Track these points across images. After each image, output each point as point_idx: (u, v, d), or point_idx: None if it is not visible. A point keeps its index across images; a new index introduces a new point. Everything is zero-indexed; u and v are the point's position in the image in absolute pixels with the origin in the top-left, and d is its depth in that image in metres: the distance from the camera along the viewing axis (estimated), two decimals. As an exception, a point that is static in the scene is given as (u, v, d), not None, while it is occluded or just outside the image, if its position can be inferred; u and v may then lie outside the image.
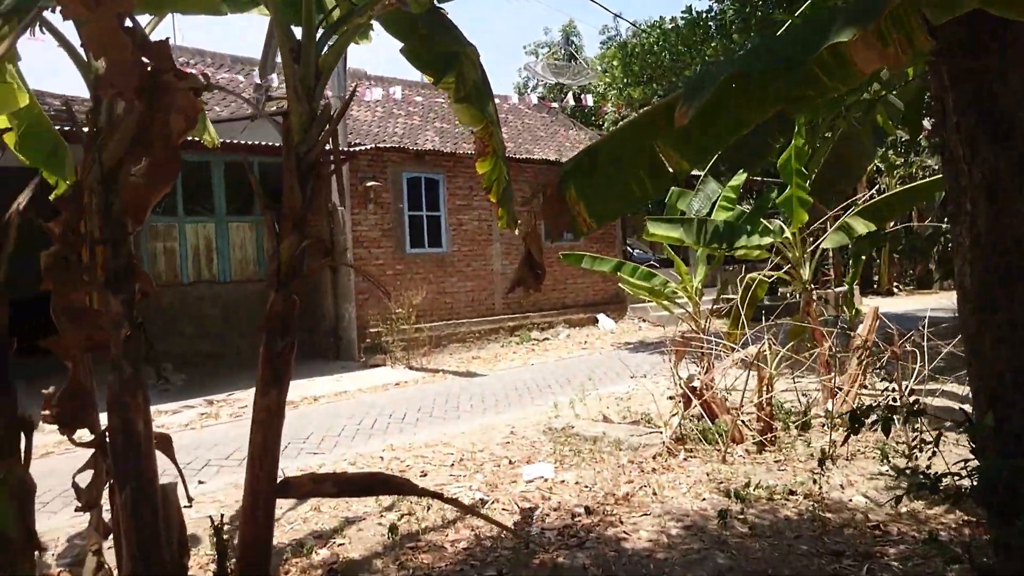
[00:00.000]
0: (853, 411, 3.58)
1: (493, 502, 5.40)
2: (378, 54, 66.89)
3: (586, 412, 7.91)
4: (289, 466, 6.70)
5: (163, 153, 3.26)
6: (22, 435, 2.68)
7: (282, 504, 5.58)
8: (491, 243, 15.15)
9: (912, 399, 4.10)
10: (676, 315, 7.82)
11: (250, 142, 11.63)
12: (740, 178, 7.25)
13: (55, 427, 3.09)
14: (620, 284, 7.39)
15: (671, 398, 7.03)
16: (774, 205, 6.93)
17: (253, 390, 9.05)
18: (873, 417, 3.84)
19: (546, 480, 5.84)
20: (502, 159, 4.10)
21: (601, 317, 16.88)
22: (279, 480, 2.55)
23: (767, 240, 6.71)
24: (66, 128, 6.36)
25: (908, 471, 5.30)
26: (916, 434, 6.04)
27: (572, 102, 19.39)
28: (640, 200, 2.56)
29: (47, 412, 3.06)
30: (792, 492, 5.20)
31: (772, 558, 4.26)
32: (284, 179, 2.60)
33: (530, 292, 2.86)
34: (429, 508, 5.24)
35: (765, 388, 6.18)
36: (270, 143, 11.57)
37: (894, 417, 3.83)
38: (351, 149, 12.41)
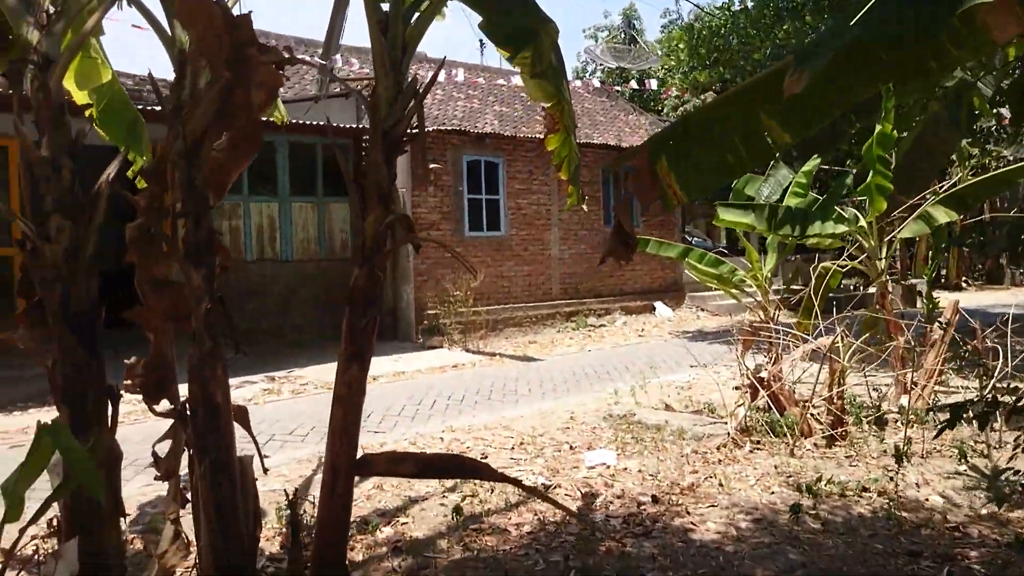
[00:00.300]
0: (950, 405, 3.42)
1: (555, 487, 5.36)
2: (435, 38, 66.94)
3: (647, 400, 7.80)
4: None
5: (245, 127, 3.27)
6: (109, 405, 2.72)
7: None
8: (549, 228, 15.06)
9: (1017, 396, 3.91)
10: (744, 304, 7.64)
11: (314, 123, 11.74)
12: (813, 163, 7.03)
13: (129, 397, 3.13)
14: (687, 271, 7.24)
15: (736, 388, 6.88)
16: (849, 192, 6.70)
17: (313, 367, 9.20)
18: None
19: (608, 467, 5.77)
20: (573, 136, 4.01)
21: (659, 305, 16.67)
22: (359, 457, 2.54)
23: (842, 228, 6.49)
24: (140, 107, 6.47)
25: (989, 472, 5.09)
26: (996, 433, 5.80)
27: (635, 86, 19.10)
28: (735, 173, 2.46)
29: (130, 382, 3.10)
30: (865, 489, 5.03)
31: (847, 556, 4.12)
32: (369, 153, 2.57)
33: (621, 264, 2.78)
34: (492, 491, 5.22)
35: (837, 381, 6.00)
36: (336, 124, 11.64)
37: (983, 415, 3.66)
38: (412, 131, 12.41)
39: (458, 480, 5.49)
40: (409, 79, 2.62)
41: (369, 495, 5.38)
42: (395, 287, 12.80)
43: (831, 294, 6.70)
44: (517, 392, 8.95)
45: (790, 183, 7.31)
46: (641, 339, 13.51)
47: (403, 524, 4.76)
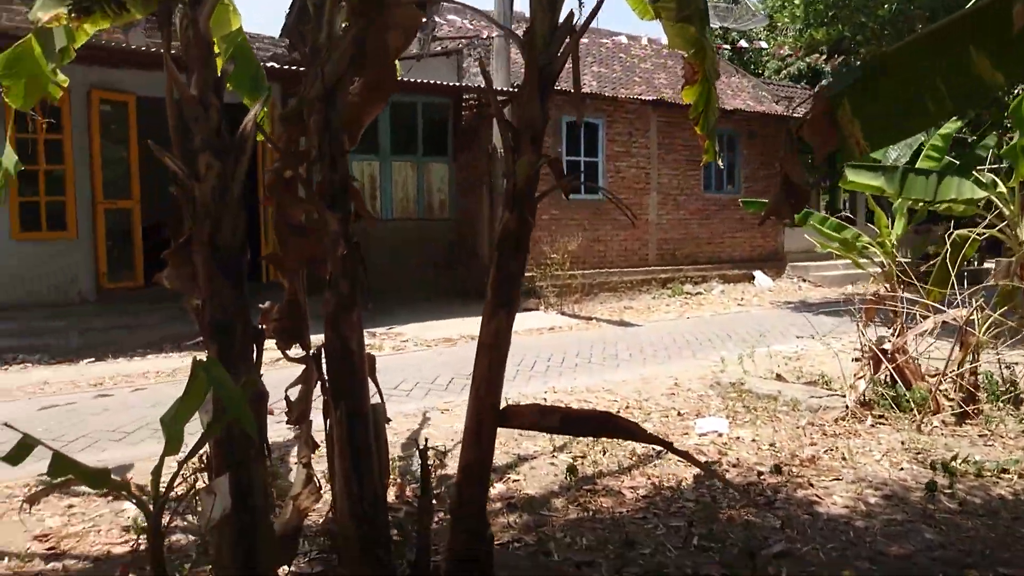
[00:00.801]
0: None
1: (665, 453, 5.23)
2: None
3: (754, 369, 7.55)
4: (454, 400, 6.79)
5: (380, 70, 3.22)
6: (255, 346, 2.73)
7: (452, 436, 5.64)
8: (648, 192, 14.73)
9: None
10: (857, 274, 7.25)
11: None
12: (952, 126, 6.56)
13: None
14: (808, 235, 6.91)
15: (856, 360, 6.56)
16: (991, 155, 6.22)
17: (412, 325, 9.26)
18: None
19: (720, 435, 5.60)
20: (715, 86, 3.80)
21: (758, 274, 16.16)
22: (503, 408, 2.47)
23: (980, 194, 6.05)
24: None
25: None
26: None
27: (745, 44, 18.35)
28: (933, 119, 2.24)
29: (265, 327, 3.12)
30: (1004, 470, 4.72)
31: (988, 538, 3.86)
32: (521, 93, 2.47)
33: (785, 221, 2.60)
34: (604, 452, 5.14)
35: (971, 356, 5.63)
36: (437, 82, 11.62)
37: None
38: (514, 89, 12.27)
39: (569, 439, 5.43)
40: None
41: (478, 451, 5.38)
42: (492, 248, 12.79)
43: (966, 264, 6.28)
44: (617, 356, 8.81)
45: (921, 145, 6.86)
46: (741, 308, 13.13)
47: (514, 481, 4.73)
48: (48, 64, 4.25)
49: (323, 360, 3.07)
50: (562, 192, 2.63)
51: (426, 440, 3.28)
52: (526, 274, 12.54)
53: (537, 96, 2.40)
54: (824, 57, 17.60)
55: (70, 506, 4.37)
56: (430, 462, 3.11)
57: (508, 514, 4.17)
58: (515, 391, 7.11)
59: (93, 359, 8.57)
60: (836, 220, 6.64)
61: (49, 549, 3.83)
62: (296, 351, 3.25)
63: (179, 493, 3.18)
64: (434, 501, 3.25)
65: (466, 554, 2.43)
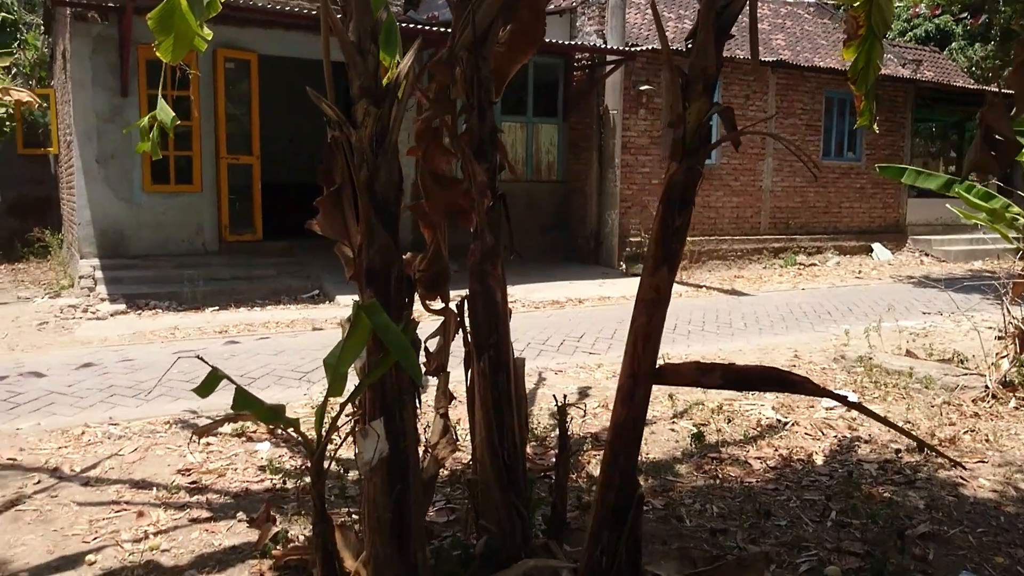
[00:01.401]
0: None
1: (792, 424, 5.05)
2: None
3: (881, 344, 7.19)
4: (566, 361, 6.75)
5: (529, 18, 3.14)
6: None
7: (568, 397, 5.61)
8: (763, 158, 14.18)
9: None
10: (986, 250, 6.75)
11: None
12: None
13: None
14: (951, 206, 6.47)
15: (999, 338, 6.15)
16: None
17: (519, 287, 9.21)
18: None
19: (849, 410, 5.36)
20: (880, 40, 3.54)
21: (876, 246, 15.40)
22: (659, 365, 2.40)
23: None
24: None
25: None
26: None
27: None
28: None
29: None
30: None
31: None
32: (696, 38, 2.34)
33: (986, 177, 2.41)
34: (730, 421, 5.00)
35: None
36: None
37: None
38: (629, 49, 11.98)
39: (689, 405, 5.32)
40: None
41: (595, 413, 5.33)
42: (600, 212, 12.61)
43: None
44: (732, 325, 8.57)
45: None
46: (860, 281, 12.55)
47: (635, 445, 4.65)
48: (195, 19, 4.35)
49: (465, 312, 3.07)
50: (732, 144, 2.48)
51: (564, 396, 3.24)
52: (633, 239, 12.34)
53: (712, 41, 2.27)
54: (958, 17, 16.32)
55: (208, 444, 4.56)
56: (566, 420, 3.07)
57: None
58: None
59: (217, 307, 8.95)
60: (984, 188, 6.19)
61: (192, 483, 4.01)
62: (436, 303, 3.26)
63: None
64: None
65: (614, 513, 2.38)
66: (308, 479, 4.04)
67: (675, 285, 9.59)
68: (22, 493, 3.84)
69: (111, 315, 8.26)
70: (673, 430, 4.93)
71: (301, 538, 3.30)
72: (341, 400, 2.35)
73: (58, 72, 12.94)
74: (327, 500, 3.72)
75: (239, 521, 3.56)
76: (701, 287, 11.45)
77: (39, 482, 4.00)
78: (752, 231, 14.18)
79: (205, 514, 3.64)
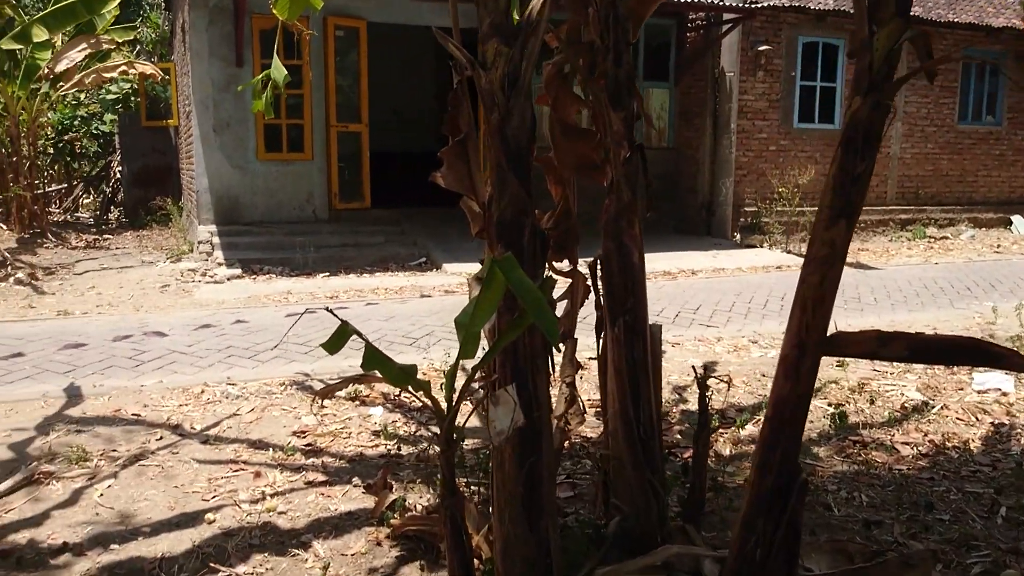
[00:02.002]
0: None
1: (941, 408, 4.59)
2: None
3: (1035, 323, 6.52)
4: (683, 334, 6.42)
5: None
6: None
7: (686, 370, 5.32)
8: (892, 122, 13.20)
9: None
10: None
11: None
12: None
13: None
14: None
15: None
16: None
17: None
18: None
19: (1005, 394, 4.85)
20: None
21: (1016, 219, 14.19)
22: (830, 334, 2.10)
23: None
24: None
25: None
26: None
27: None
28: None
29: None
30: None
31: None
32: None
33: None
34: (872, 402, 4.59)
35: None
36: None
37: None
38: (748, 6, 11.33)
39: (822, 383, 4.93)
40: None
41: (719, 389, 5.01)
42: (713, 180, 12.07)
43: None
44: (860, 300, 8.00)
45: None
46: (999, 255, 11.57)
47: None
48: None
49: (597, 273, 2.83)
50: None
51: (704, 368, 2.96)
52: (748, 209, 11.79)
53: (911, -52, 1.92)
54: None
55: (323, 407, 4.51)
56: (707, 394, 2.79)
57: (766, 458, 3.80)
58: (749, 328, 6.63)
59: (328, 273, 9.03)
60: None
61: (307, 445, 3.96)
62: (563, 265, 3.03)
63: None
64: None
65: (772, 499, 2.11)
66: (424, 446, 3.94)
67: (792, 257, 9.07)
68: (146, 448, 3.87)
69: (227, 279, 8.45)
70: (806, 409, 4.56)
71: (419, 507, 3.17)
72: (472, 363, 2.16)
73: (177, 46, 13.35)
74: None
75: (355, 486, 3.47)
76: (822, 260, 10.80)
77: (161, 438, 4.03)
78: (877, 201, 13.29)
79: (321, 477, 3.57)
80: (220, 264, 8.94)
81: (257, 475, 3.57)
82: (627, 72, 2.75)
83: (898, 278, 9.35)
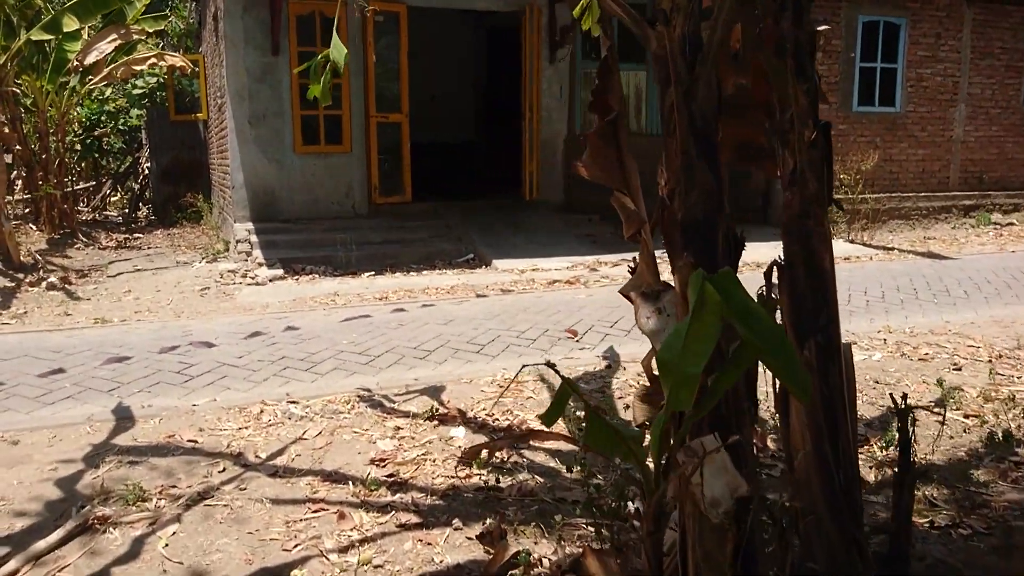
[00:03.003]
0: None
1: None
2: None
3: None
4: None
5: None
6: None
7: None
8: (955, 104, 12.53)
9: None
10: None
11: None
12: None
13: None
14: None
15: None
16: None
17: None
18: None
19: None
20: None
21: (1085, 203, 13.45)
22: None
23: None
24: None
25: None
26: None
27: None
28: None
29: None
30: None
31: None
32: None
33: None
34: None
35: None
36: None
37: None
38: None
39: (951, 389, 4.39)
40: None
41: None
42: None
43: None
44: (949, 293, 7.41)
45: None
46: (1078, 242, 10.90)
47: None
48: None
49: (773, 282, 2.32)
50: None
51: (903, 396, 2.43)
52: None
53: None
54: None
55: (398, 428, 4.04)
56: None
57: (923, 486, 3.28)
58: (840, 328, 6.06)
59: (373, 272, 8.56)
60: None
61: (389, 476, 3.48)
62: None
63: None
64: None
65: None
66: (524, 478, 3.45)
67: (859, 247, 8.39)
68: (209, 484, 3.42)
69: (270, 280, 8.01)
70: (942, 422, 4.02)
71: (545, 562, 2.68)
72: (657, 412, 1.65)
73: (207, 36, 12.92)
74: (563, 505, 3.08)
75: (456, 529, 2.99)
76: (891, 249, 10.19)
77: (224, 470, 3.57)
78: (939, 187, 12.63)
79: (413, 518, 3.09)
80: (260, 264, 8.50)
81: (341, 516, 3.09)
82: (809, 35, 2.23)
83: (980, 268, 8.73)
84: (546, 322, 6.23)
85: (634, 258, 2.29)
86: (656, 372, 2.24)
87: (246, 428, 4.08)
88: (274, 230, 9.44)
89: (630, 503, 2.87)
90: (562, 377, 1.57)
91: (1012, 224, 12.61)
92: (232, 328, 6.15)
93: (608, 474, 3.45)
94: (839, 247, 10.10)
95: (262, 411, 4.31)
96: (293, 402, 4.43)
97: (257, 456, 3.72)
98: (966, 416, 4.13)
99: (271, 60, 9.56)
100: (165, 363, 5.21)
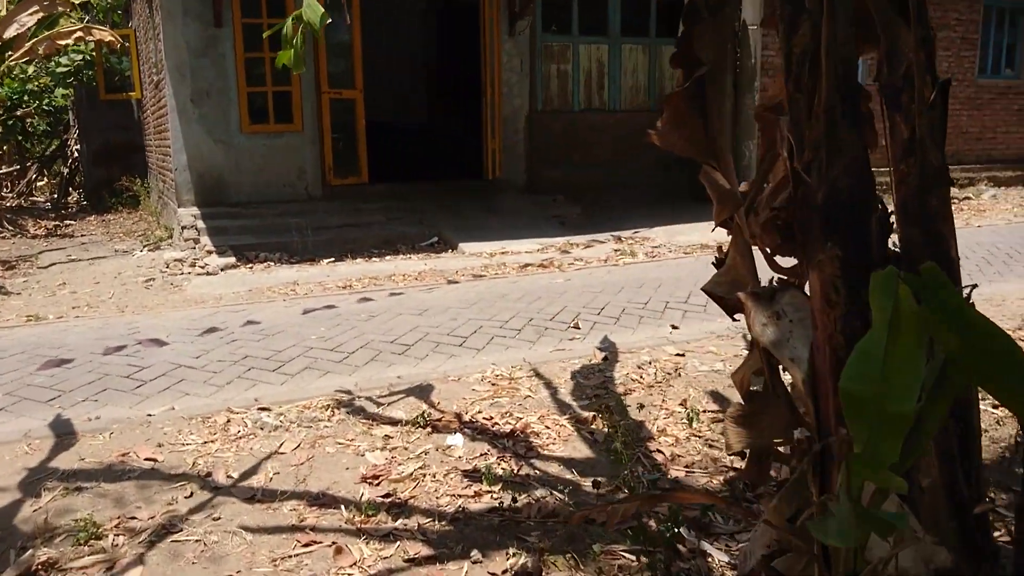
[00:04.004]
0: None
1: None
2: None
3: None
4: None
5: None
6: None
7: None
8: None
9: None
10: None
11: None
12: None
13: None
14: None
15: None
16: None
17: (659, 228, 7.90)
18: None
19: None
20: None
21: (1038, 177, 13.62)
22: None
23: None
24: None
25: None
26: None
27: None
28: None
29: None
30: None
31: None
32: None
33: None
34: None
35: None
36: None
37: None
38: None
39: None
40: None
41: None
42: (736, 144, 11.21)
43: None
44: (933, 271, 7.23)
45: None
46: (1038, 216, 10.95)
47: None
48: None
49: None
50: None
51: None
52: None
53: None
54: None
55: (387, 437, 3.60)
56: None
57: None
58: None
59: (333, 259, 8.02)
60: None
61: (385, 496, 3.04)
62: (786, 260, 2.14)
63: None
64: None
65: None
66: (541, 494, 3.05)
67: None
68: (175, 513, 2.92)
69: (221, 269, 7.41)
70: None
71: (594, 606, 2.28)
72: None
73: (139, 9, 12.06)
74: (592, 527, 2.67)
75: (474, 563, 2.57)
76: (860, 226, 10.04)
77: (191, 495, 3.08)
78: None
79: (423, 550, 2.66)
80: (210, 252, 7.87)
81: (338, 551, 2.65)
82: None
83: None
84: (528, 310, 5.82)
85: (720, 247, 1.89)
86: (753, 388, 1.86)
87: (212, 442, 3.58)
88: (223, 215, 8.80)
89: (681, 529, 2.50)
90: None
91: (968, 198, 12.66)
92: (185, 324, 5.58)
93: (629, 484, 3.08)
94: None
95: (229, 420, 3.80)
96: (264, 409, 3.94)
97: (229, 476, 3.23)
98: (994, 407, 3.87)
99: (213, 32, 8.87)
100: (112, 366, 4.64)
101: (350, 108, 9.82)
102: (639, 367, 4.53)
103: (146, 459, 3.40)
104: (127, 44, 12.62)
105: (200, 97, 8.94)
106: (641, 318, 5.65)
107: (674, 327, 5.45)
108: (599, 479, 3.10)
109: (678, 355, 4.77)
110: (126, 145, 13.95)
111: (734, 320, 2.20)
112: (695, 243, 8.62)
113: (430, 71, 14.62)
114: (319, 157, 9.64)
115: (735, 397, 4.09)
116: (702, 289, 2.00)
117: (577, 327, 5.40)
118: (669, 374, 4.42)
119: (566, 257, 8.01)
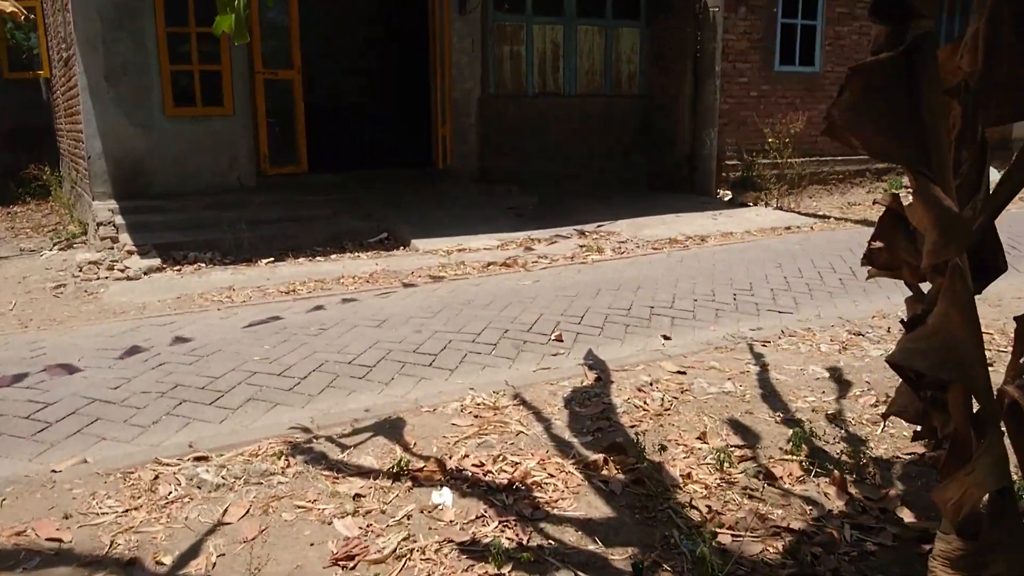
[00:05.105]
0: None
1: None
2: None
3: None
4: (763, 326, 5.11)
5: None
6: None
7: (809, 383, 4.00)
8: (870, 64, 12.23)
9: None
10: None
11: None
12: None
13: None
14: None
15: None
16: None
17: (623, 222, 7.33)
18: None
19: None
20: None
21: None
22: None
23: None
24: None
25: None
26: None
27: None
28: None
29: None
30: None
31: None
32: None
33: None
34: None
35: None
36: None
37: None
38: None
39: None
40: None
41: (873, 417, 3.68)
42: (697, 131, 10.76)
43: None
44: (918, 267, 6.88)
45: None
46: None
47: None
48: None
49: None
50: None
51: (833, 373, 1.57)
52: (729, 162, 10.61)
53: None
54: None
55: (358, 497, 2.92)
56: None
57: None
58: (830, 313, 5.36)
59: (272, 259, 7.22)
60: None
61: (366, 587, 2.38)
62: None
63: None
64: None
65: None
66: (560, 574, 2.43)
67: (793, 215, 7.57)
68: (86, 627, 2.20)
69: (144, 273, 6.54)
70: None
71: None
72: None
73: (45, -23, 10.88)
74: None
75: None
76: (826, 217, 9.72)
77: (110, 595, 2.36)
78: (855, 151, 12.36)
79: (425, 674, 2.01)
80: (131, 252, 6.97)
81: None
82: None
83: (927, 237, 8.33)
84: (500, 319, 5.19)
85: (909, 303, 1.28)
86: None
87: (136, 509, 2.84)
88: (145, 209, 7.87)
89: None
90: None
91: (923, 188, 12.53)
92: (101, 342, 4.76)
93: (669, 557, 2.50)
94: (773, 216, 9.56)
95: (157, 477, 3.07)
96: (201, 458, 3.21)
97: (159, 563, 2.51)
98: None
99: (131, 2, 7.89)
100: (7, 403, 3.81)
101: (287, 90, 8.97)
102: (639, 389, 3.96)
103: (48, 539, 2.64)
104: (33, 17, 11.44)
105: (115, 75, 7.96)
106: (627, 327, 5.08)
107: (666, 338, 4.91)
108: (637, 557, 2.50)
109: (679, 372, 4.22)
110: (36, 129, 12.70)
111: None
112: (662, 237, 8.13)
113: (375, 50, 13.74)
114: (253, 144, 8.77)
115: (758, 427, 3.55)
116: (887, 361, 1.41)
117: (560, 339, 4.80)
118: (676, 398, 3.86)
119: (530, 255, 7.40)
